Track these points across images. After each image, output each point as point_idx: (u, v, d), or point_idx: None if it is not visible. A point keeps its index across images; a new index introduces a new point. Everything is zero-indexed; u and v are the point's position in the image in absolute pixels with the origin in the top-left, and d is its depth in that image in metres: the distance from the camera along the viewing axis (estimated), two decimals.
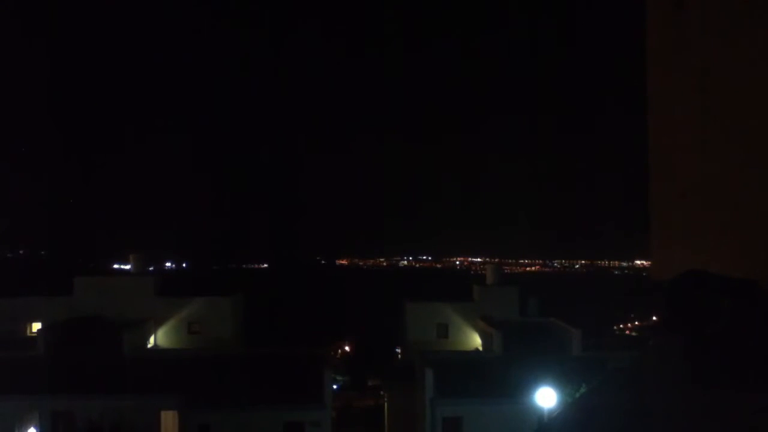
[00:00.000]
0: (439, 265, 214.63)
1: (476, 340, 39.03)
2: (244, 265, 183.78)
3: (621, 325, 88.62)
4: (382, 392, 43.17)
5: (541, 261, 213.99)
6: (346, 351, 76.26)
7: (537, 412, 26.81)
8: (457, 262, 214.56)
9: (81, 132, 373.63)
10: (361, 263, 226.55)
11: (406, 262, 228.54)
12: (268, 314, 69.40)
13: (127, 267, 45.57)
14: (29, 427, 30.18)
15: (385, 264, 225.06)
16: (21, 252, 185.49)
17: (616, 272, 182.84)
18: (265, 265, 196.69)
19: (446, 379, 30.77)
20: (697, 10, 2.69)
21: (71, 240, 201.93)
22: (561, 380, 26.76)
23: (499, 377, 30.84)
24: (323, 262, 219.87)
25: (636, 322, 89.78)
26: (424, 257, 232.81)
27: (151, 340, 38.72)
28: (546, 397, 26.23)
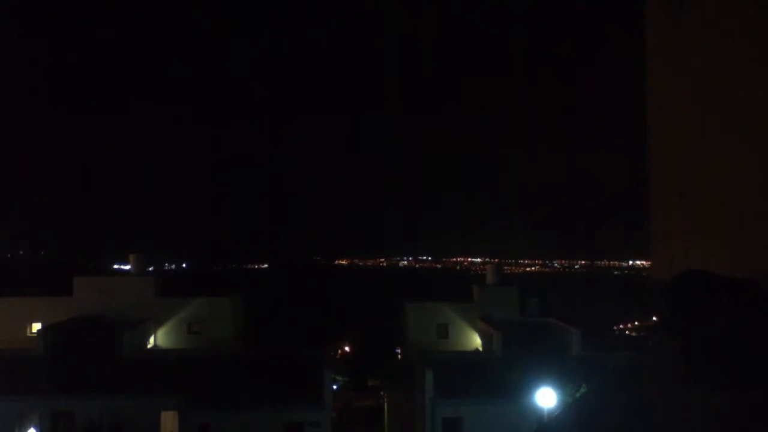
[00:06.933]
0: (439, 265, 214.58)
1: (476, 341, 39.02)
2: (244, 265, 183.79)
3: (621, 325, 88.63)
4: (382, 392, 43.18)
5: (541, 261, 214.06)
6: (346, 351, 76.17)
7: (537, 412, 26.83)
8: (457, 262, 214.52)
9: (81, 131, 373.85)
10: (361, 263, 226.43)
11: (406, 262, 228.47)
12: (268, 314, 69.39)
13: (127, 267, 45.52)
14: (29, 427, 30.17)
15: (385, 264, 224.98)
16: (21, 252, 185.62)
17: (616, 272, 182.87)
18: (265, 265, 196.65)
19: (446, 379, 30.77)
20: (698, 8, 2.69)
21: (71, 240, 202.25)
22: (561, 380, 26.76)
23: (499, 377, 30.84)
24: (323, 262, 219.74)
25: (636, 322, 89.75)
26: (424, 257, 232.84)
27: (151, 340, 38.71)
28: (546, 397, 26.24)
